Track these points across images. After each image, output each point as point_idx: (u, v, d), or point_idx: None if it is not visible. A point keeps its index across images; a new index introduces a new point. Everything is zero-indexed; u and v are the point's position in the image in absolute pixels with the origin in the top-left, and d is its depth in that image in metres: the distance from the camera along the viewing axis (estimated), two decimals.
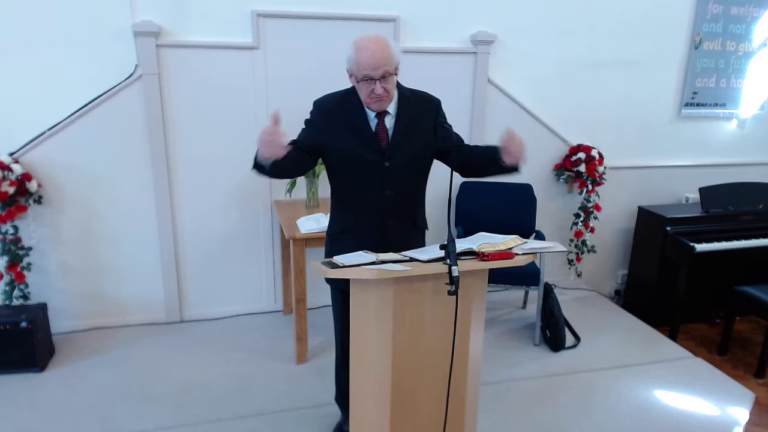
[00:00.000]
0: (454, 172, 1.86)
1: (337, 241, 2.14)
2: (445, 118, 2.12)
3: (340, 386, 2.41)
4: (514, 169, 1.95)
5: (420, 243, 2.15)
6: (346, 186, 2.10)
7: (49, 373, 2.93)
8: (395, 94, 2.00)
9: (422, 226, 2.20)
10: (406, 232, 2.10)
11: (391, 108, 2.00)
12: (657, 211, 3.80)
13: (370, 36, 1.90)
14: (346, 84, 3.57)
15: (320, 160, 3.32)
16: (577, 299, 3.94)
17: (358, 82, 1.92)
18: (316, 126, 2.05)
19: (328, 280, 2.13)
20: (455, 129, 2.11)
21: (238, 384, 2.85)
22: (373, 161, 1.99)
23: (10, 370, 2.88)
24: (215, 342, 3.27)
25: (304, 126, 2.10)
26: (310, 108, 2.10)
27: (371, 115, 2.00)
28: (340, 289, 2.09)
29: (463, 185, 3.65)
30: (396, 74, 1.93)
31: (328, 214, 3.03)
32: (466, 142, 3.69)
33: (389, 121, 2.01)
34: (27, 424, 2.52)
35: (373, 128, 2.00)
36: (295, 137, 2.05)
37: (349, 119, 2.00)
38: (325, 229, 2.82)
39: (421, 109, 2.05)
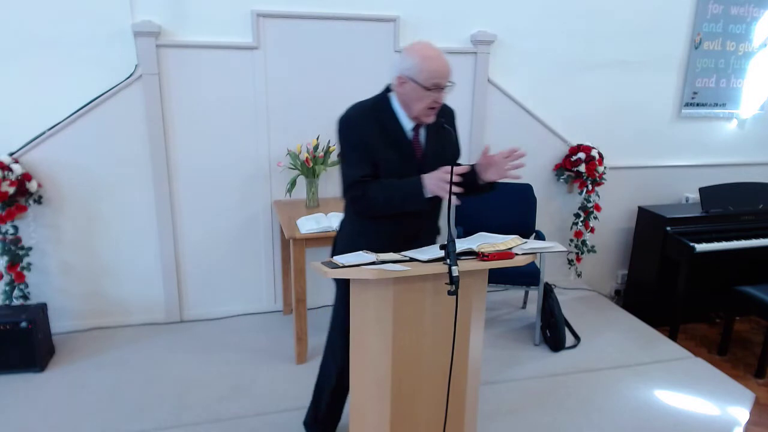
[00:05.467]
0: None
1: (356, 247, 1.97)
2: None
3: (320, 405, 2.34)
4: (488, 187, 1.98)
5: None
6: None
7: (49, 373, 2.93)
8: None
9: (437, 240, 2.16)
10: (431, 240, 2.07)
11: None
12: (657, 211, 3.80)
13: (430, 44, 1.89)
14: (346, 84, 3.57)
15: (321, 161, 3.34)
16: (577, 299, 3.94)
17: (427, 89, 1.84)
18: (360, 147, 1.92)
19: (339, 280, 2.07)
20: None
21: (238, 384, 2.85)
22: (408, 176, 1.95)
23: (10, 370, 2.87)
24: (215, 342, 3.27)
25: (351, 151, 1.95)
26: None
27: (407, 127, 1.95)
28: None
29: None
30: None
31: (328, 214, 3.04)
32: (466, 143, 3.74)
33: (422, 133, 1.99)
34: (27, 424, 2.52)
35: (410, 139, 1.97)
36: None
37: (388, 132, 1.94)
38: (325, 229, 2.84)
39: (443, 118, 1.99)
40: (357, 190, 1.92)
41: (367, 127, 1.93)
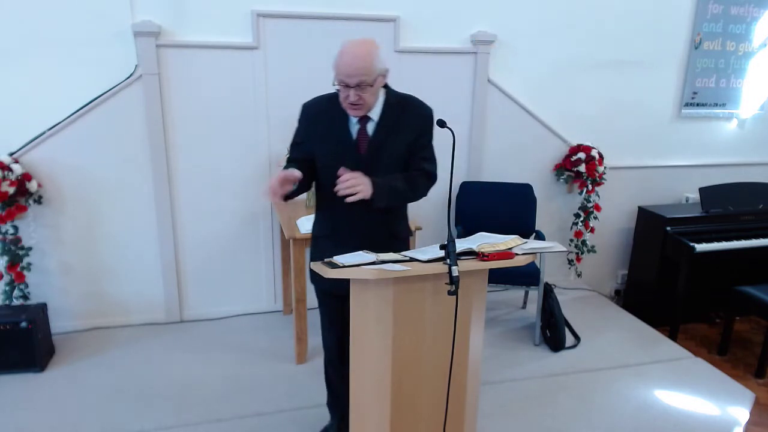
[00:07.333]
0: (454, 172, 1.84)
1: (318, 243, 2.14)
2: (431, 132, 2.04)
3: (331, 389, 2.41)
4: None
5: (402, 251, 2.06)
6: (324, 192, 2.04)
7: (49, 373, 2.93)
8: (381, 100, 1.97)
9: (403, 235, 2.13)
10: (383, 241, 2.00)
11: (374, 114, 1.97)
12: (657, 211, 3.80)
13: (357, 41, 1.88)
14: None
15: None
16: (577, 299, 3.94)
17: (334, 84, 1.90)
18: (301, 134, 2.07)
19: (318, 284, 2.11)
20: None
21: (238, 384, 2.85)
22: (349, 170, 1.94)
23: (10, 370, 2.88)
24: (215, 342, 3.27)
25: (294, 136, 2.11)
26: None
27: (353, 120, 1.97)
28: (334, 294, 2.05)
29: (463, 185, 3.66)
30: (373, 85, 1.87)
31: None
32: (466, 143, 3.74)
33: (371, 128, 1.98)
34: (27, 424, 2.52)
35: (354, 135, 1.97)
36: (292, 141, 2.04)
37: (331, 124, 1.98)
38: None
39: (407, 118, 1.99)
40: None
41: (313, 118, 2.02)
